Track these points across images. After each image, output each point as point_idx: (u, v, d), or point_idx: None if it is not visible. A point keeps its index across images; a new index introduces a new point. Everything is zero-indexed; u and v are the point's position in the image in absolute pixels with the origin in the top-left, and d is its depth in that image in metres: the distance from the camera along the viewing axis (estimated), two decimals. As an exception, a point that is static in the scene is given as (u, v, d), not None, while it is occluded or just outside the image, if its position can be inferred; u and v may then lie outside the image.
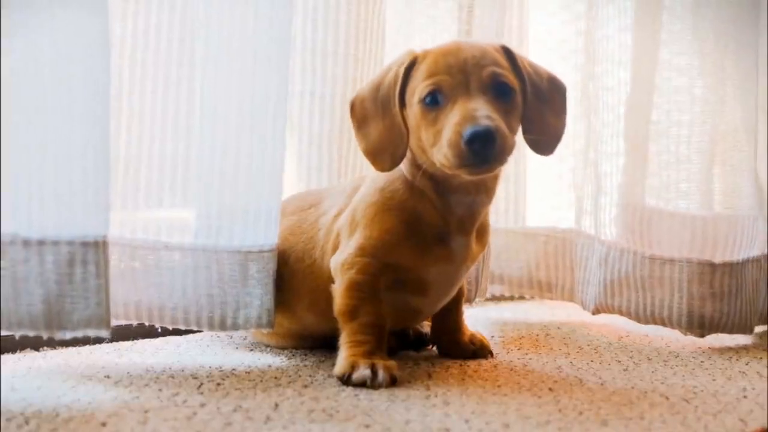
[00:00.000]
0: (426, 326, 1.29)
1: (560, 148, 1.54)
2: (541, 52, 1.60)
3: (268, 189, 1.15)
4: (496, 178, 1.12)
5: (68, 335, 0.99)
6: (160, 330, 1.26)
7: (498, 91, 1.04)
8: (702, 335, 1.38)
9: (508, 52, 1.10)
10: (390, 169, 1.10)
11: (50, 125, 0.98)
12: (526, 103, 1.09)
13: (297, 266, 1.18)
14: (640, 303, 1.41)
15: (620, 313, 1.43)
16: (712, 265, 1.37)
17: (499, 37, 1.43)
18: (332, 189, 1.25)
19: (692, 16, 1.41)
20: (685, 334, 1.40)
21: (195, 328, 1.16)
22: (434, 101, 1.04)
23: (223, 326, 1.15)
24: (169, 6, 1.14)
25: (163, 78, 1.15)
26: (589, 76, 1.49)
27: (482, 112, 1.00)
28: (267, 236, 1.15)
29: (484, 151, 0.98)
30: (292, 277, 1.18)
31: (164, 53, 1.15)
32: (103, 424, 0.87)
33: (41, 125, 0.98)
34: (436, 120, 1.03)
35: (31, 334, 0.98)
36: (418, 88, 1.06)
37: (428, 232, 1.10)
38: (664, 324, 1.40)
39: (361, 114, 1.11)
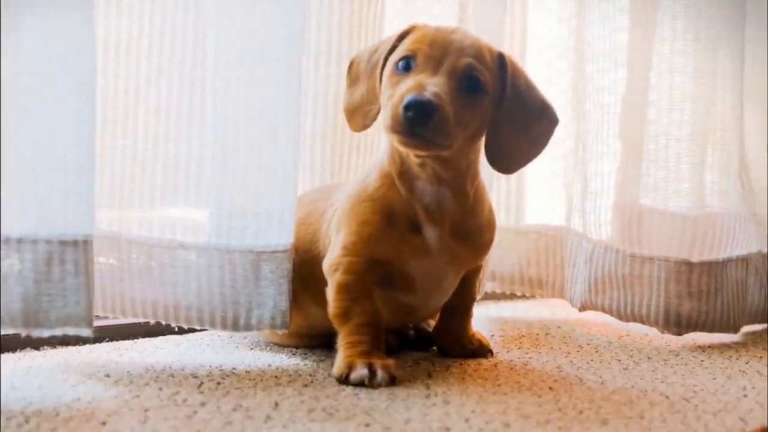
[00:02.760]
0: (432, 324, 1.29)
1: (554, 146, 1.57)
2: (540, 50, 1.60)
3: (280, 189, 1.15)
4: (458, 173, 1.10)
5: (46, 333, 0.99)
6: (160, 328, 1.26)
7: (467, 84, 1.04)
8: (679, 333, 1.39)
9: (501, 59, 1.09)
10: (360, 129, 1.12)
11: (32, 124, 0.98)
12: (501, 114, 1.08)
13: (305, 257, 1.18)
14: (621, 301, 1.42)
15: (603, 310, 1.44)
16: (689, 264, 1.38)
17: (499, 34, 1.44)
18: (344, 184, 1.25)
19: (685, 17, 1.42)
20: (662, 333, 1.40)
21: (209, 328, 1.17)
22: (406, 67, 1.05)
23: (236, 326, 1.15)
24: (183, 6, 1.15)
25: (177, 78, 1.15)
26: (580, 74, 1.49)
27: (432, 87, 1.00)
28: (280, 236, 1.15)
29: (416, 122, 0.98)
30: (301, 268, 1.18)
31: (179, 53, 1.15)
32: (104, 423, 0.87)
33: (23, 124, 0.98)
34: (397, 84, 1.04)
35: (10, 331, 0.99)
36: (397, 51, 1.07)
37: (401, 221, 1.10)
38: (642, 322, 1.41)
39: (355, 73, 1.14)
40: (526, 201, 1.62)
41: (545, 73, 1.58)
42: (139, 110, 1.15)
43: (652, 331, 1.45)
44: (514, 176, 1.58)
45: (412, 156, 1.07)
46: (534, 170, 1.61)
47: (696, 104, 1.42)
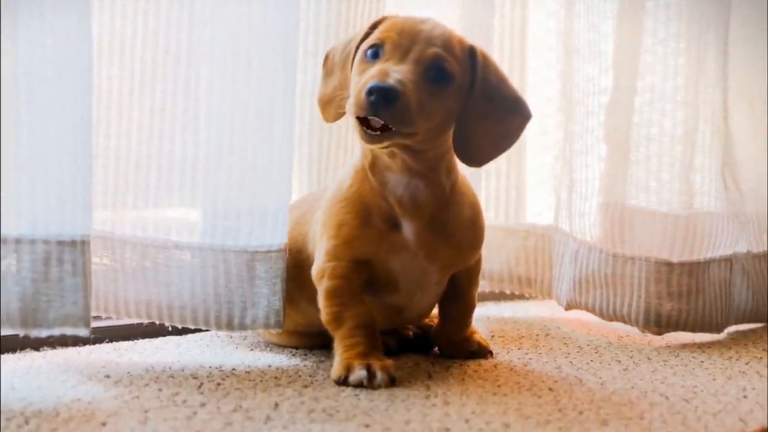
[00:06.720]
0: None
1: (551, 148, 1.57)
2: (540, 52, 1.60)
3: (275, 189, 1.16)
4: (429, 165, 1.09)
5: (44, 333, 0.99)
6: (160, 329, 1.26)
7: (434, 73, 1.04)
8: (659, 333, 1.41)
9: (471, 51, 1.09)
10: (333, 120, 1.13)
11: (30, 125, 0.98)
12: (470, 106, 1.07)
13: (298, 257, 1.18)
14: (604, 300, 1.43)
15: (587, 309, 1.46)
16: (670, 264, 1.39)
17: (489, 33, 1.44)
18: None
19: (671, 18, 1.43)
20: (643, 332, 1.42)
21: (203, 328, 1.17)
22: (374, 55, 1.05)
23: (230, 326, 1.16)
24: (177, 6, 1.15)
25: (172, 78, 1.16)
26: (570, 77, 1.49)
27: (395, 74, 1.00)
28: (274, 236, 1.16)
29: (377, 106, 0.98)
30: (296, 269, 1.18)
31: (173, 53, 1.15)
32: (104, 424, 0.87)
33: (20, 124, 0.98)
34: (365, 72, 1.04)
35: (8, 332, 0.99)
36: (367, 40, 1.07)
37: (377, 218, 1.10)
38: (624, 321, 1.42)
39: (329, 66, 1.15)
40: (524, 200, 1.62)
41: (545, 74, 1.58)
42: (133, 110, 1.15)
43: (652, 332, 1.45)
44: (504, 175, 1.59)
45: (378, 146, 1.05)
46: (531, 170, 1.62)
47: (679, 104, 1.43)
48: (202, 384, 1.04)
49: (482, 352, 1.23)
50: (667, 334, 1.42)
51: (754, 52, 1.55)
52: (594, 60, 1.46)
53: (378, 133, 1.00)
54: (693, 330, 1.41)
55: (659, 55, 1.44)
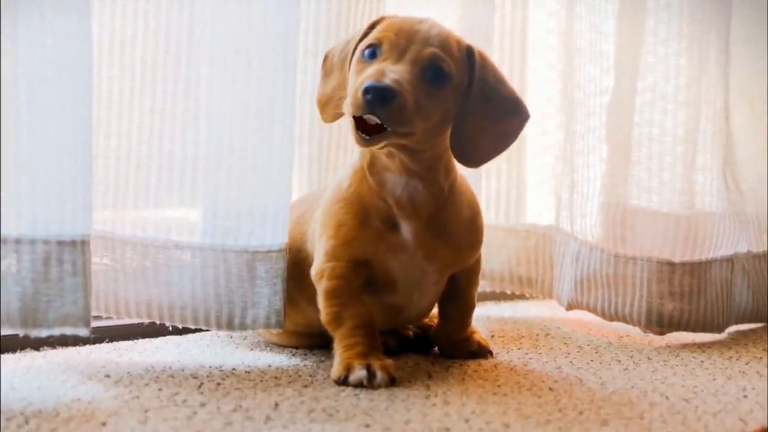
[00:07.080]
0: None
1: (551, 148, 1.57)
2: (541, 51, 1.60)
3: (275, 189, 1.16)
4: (427, 165, 1.09)
5: (44, 333, 0.99)
6: (160, 329, 1.26)
7: (431, 73, 1.03)
8: (661, 333, 1.41)
9: (469, 51, 1.09)
10: (332, 120, 1.13)
11: (30, 125, 0.98)
12: (468, 106, 1.07)
13: (298, 256, 1.18)
14: (606, 300, 1.43)
15: (588, 309, 1.46)
16: (671, 264, 1.40)
17: (489, 33, 1.45)
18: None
19: (672, 19, 1.44)
20: (645, 332, 1.42)
21: (204, 328, 1.17)
22: (372, 55, 1.05)
23: (230, 326, 1.16)
24: (178, 6, 1.15)
25: (172, 78, 1.16)
26: (571, 77, 1.49)
27: (392, 74, 1.00)
28: (275, 236, 1.16)
29: (374, 105, 0.98)
30: (295, 268, 1.18)
31: (173, 54, 1.15)
32: (104, 424, 0.87)
33: (21, 124, 0.98)
34: (362, 72, 1.04)
35: (8, 332, 0.99)
36: (365, 40, 1.07)
37: (376, 218, 1.10)
38: (626, 321, 1.42)
39: (328, 66, 1.15)
40: (525, 200, 1.62)
41: (546, 75, 1.58)
42: (133, 110, 1.15)
43: (652, 332, 1.45)
44: (504, 174, 1.59)
45: (374, 147, 1.05)
46: (532, 170, 1.62)
47: (680, 104, 1.44)
48: (202, 384, 1.04)
49: (482, 352, 1.23)
50: (667, 334, 1.42)
51: (754, 52, 1.56)
52: (595, 60, 1.46)
53: (371, 137, 1.01)
54: (694, 330, 1.41)
55: (660, 55, 1.45)
